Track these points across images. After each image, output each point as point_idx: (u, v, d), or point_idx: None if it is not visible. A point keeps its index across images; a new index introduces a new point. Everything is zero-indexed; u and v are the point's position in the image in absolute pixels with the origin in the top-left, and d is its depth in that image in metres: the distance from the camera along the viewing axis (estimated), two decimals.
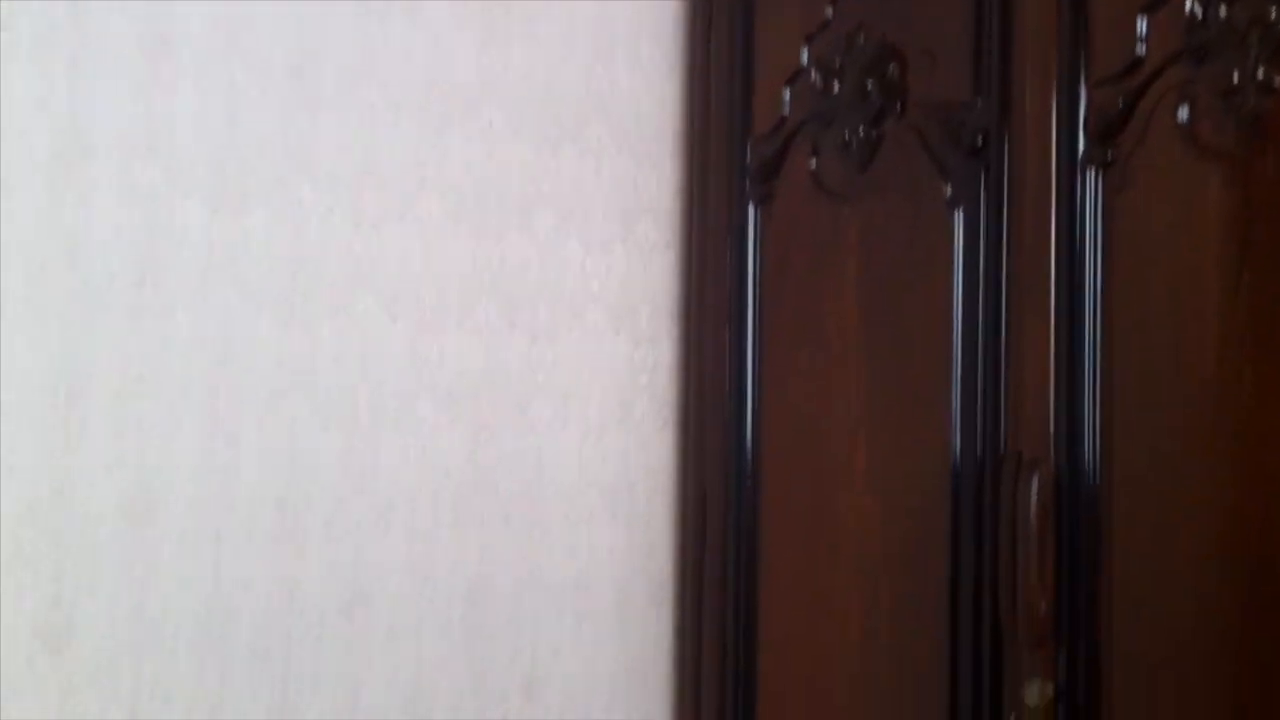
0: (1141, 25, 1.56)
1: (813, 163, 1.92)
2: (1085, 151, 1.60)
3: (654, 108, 2.11)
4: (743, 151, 2.01)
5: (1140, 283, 1.56)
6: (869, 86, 1.84)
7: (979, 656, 1.68)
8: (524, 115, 1.96)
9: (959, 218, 1.75)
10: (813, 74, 1.92)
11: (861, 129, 1.84)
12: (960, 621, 1.71)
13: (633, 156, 2.08)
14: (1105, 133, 1.58)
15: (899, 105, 1.81)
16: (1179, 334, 1.53)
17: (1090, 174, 1.60)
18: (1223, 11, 1.48)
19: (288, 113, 1.75)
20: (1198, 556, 1.52)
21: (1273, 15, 1.44)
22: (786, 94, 1.95)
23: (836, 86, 1.88)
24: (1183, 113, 1.51)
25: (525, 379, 1.96)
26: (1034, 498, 1.61)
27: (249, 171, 1.71)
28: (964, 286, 1.74)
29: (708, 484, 2.05)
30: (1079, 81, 1.61)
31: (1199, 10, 1.50)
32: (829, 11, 1.90)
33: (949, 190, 1.75)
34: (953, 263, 1.75)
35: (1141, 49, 1.55)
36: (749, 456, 2.00)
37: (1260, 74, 1.44)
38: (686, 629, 2.09)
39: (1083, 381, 1.60)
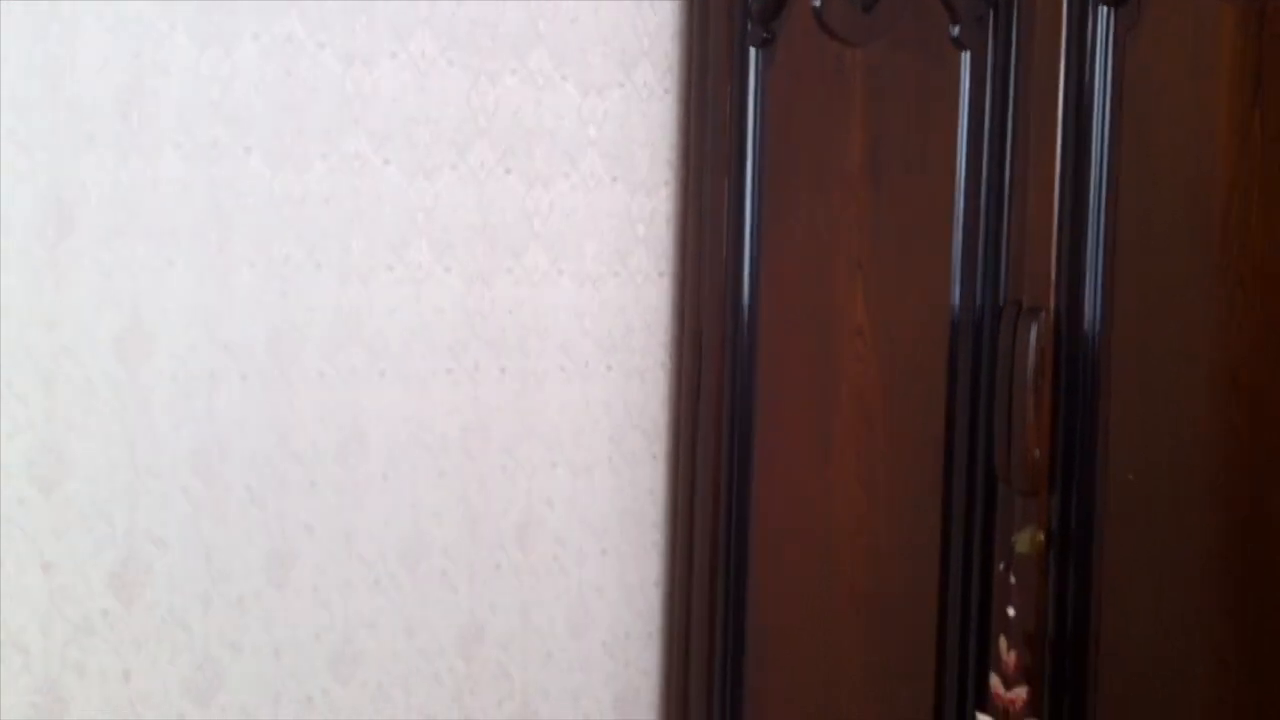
0: None
1: (816, 2, 1.86)
2: None
3: None
4: None
5: (1149, 125, 1.52)
6: None
7: (972, 503, 1.69)
8: None
9: (965, 59, 1.70)
10: None
11: None
12: (954, 467, 1.71)
13: None
14: None
15: None
16: (1187, 179, 1.50)
17: (1102, 12, 1.55)
18: None
19: None
20: (1197, 407, 1.51)
21: None
22: None
23: None
24: None
25: (520, 226, 1.93)
26: (1033, 344, 1.59)
27: (237, 1, 1.66)
28: (969, 130, 1.70)
29: (705, 332, 2.03)
30: None
31: None
32: None
33: (956, 30, 1.70)
34: (958, 106, 1.71)
35: None
36: (746, 305, 1.98)
37: None
38: (680, 480, 2.10)
39: (1086, 228, 1.57)
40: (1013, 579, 1.60)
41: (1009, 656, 1.59)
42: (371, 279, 1.79)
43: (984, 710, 1.61)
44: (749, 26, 1.95)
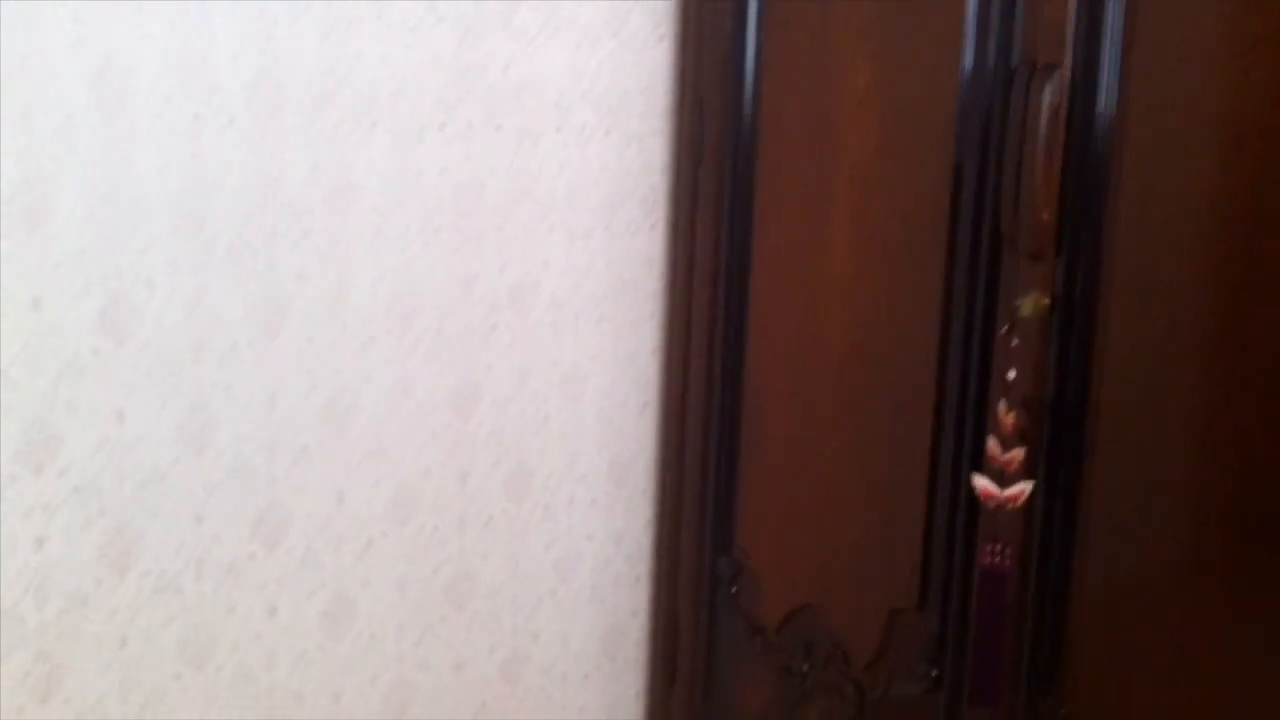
0: None
1: None
2: None
3: None
4: None
5: None
6: None
7: (975, 267, 1.67)
8: None
9: None
10: None
11: None
12: (959, 231, 1.68)
13: None
14: None
15: None
16: None
17: None
18: None
19: None
20: (1210, 170, 1.48)
21: None
22: None
23: None
24: None
25: None
26: (1046, 104, 1.55)
27: None
28: None
29: (705, 98, 1.97)
30: None
31: None
32: None
33: None
34: None
35: None
36: (750, 70, 1.92)
37: None
38: (678, 250, 2.06)
39: None
40: (1015, 342, 1.59)
41: (1007, 419, 1.59)
42: (357, 29, 1.72)
43: (981, 471, 1.62)
44: None
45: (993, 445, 1.60)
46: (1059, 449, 1.60)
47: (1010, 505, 1.59)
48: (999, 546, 1.61)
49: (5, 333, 1.49)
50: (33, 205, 1.49)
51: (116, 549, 1.61)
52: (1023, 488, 1.58)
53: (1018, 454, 1.58)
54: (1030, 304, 1.58)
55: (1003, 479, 1.59)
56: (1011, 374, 1.59)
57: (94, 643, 1.62)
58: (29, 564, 1.54)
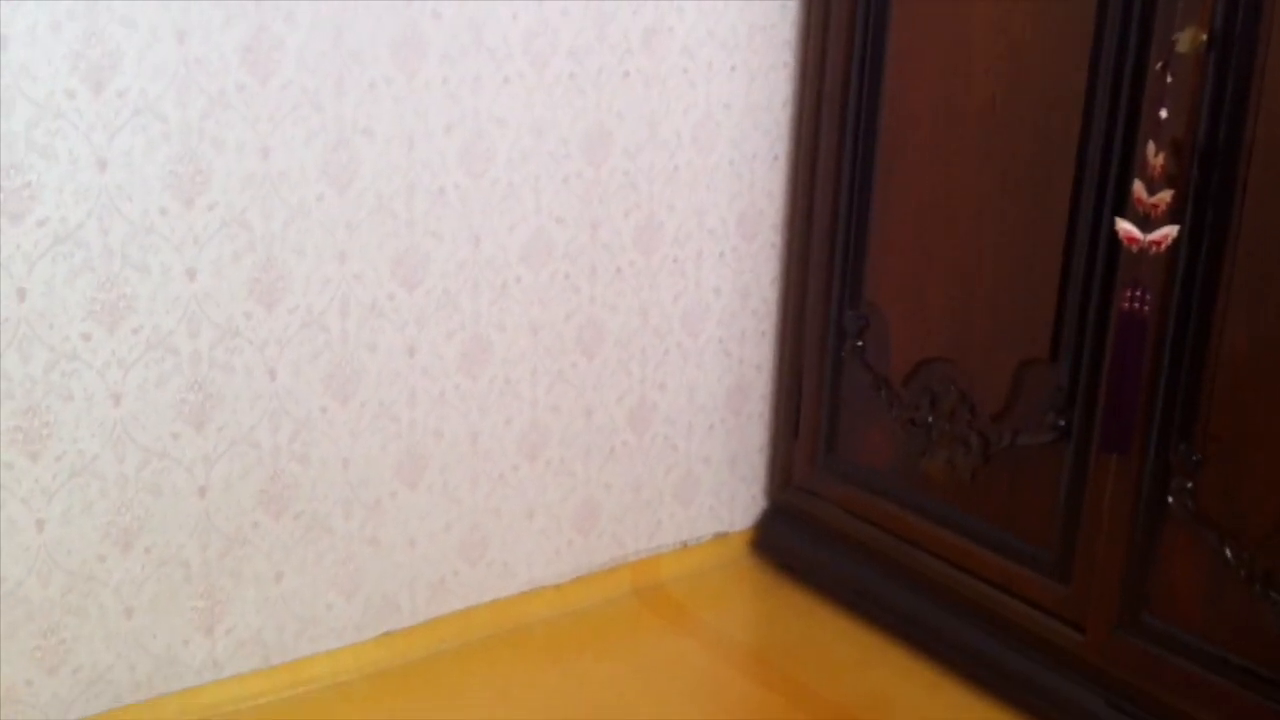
0: None
1: None
2: None
3: None
4: None
5: None
6: None
7: (1130, 4, 1.59)
8: None
9: None
10: None
11: None
12: None
13: None
14: None
15: None
16: None
17: None
18: None
19: None
20: None
21: None
22: None
23: None
24: None
25: None
26: None
27: None
28: None
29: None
30: None
31: None
32: None
33: None
34: None
35: None
36: None
37: None
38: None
39: None
40: (1169, 79, 1.53)
41: (1156, 160, 1.55)
42: None
43: (1123, 216, 1.58)
44: None
45: (1139, 188, 1.56)
46: (1207, 193, 1.55)
47: (1154, 250, 1.55)
48: (1139, 292, 1.58)
49: (152, 67, 1.51)
50: None
51: (264, 284, 1.67)
52: (1168, 232, 1.54)
53: (1165, 197, 1.54)
54: (1188, 39, 1.51)
55: (1147, 223, 1.55)
56: (1164, 113, 1.53)
57: (244, 374, 1.69)
58: (182, 295, 1.60)
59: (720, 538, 2.26)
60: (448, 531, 1.94)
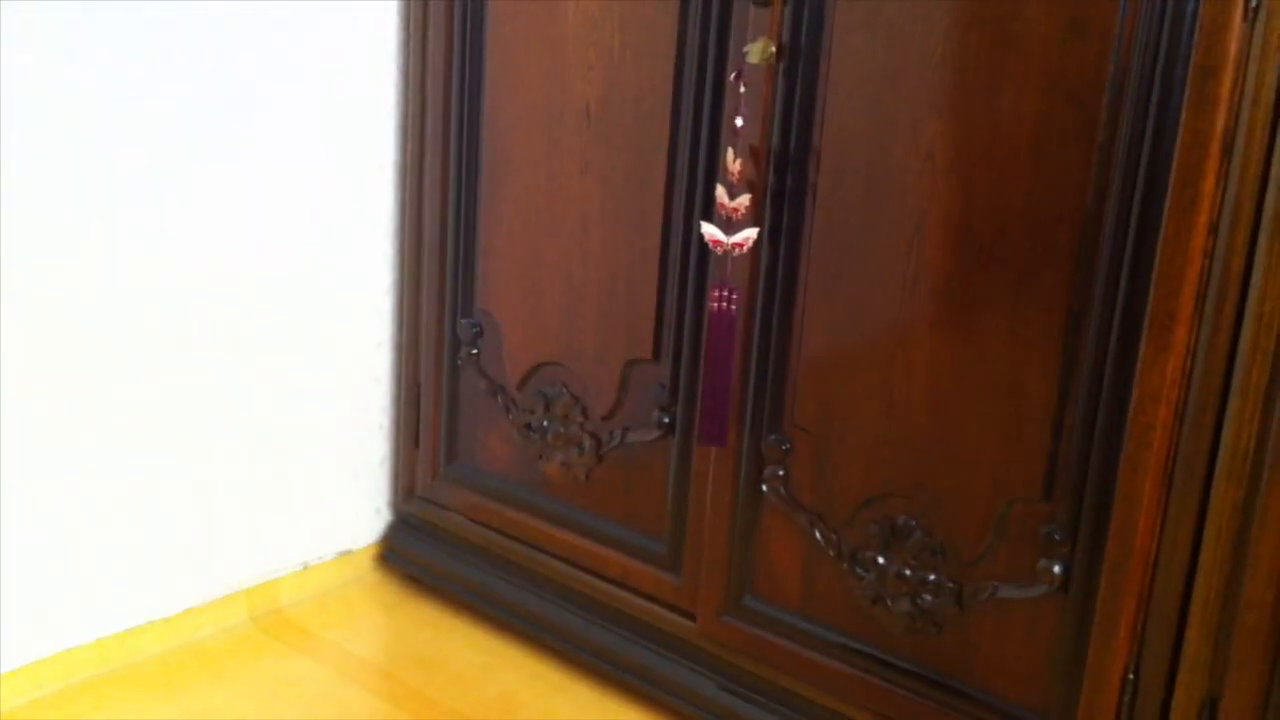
0: None
1: None
2: None
3: None
4: None
5: None
6: None
7: (708, 13, 1.67)
8: None
9: None
10: None
11: None
12: None
13: None
14: None
15: None
16: None
17: None
18: None
19: None
20: None
21: None
22: None
23: None
24: None
25: None
26: None
27: None
28: None
29: None
30: None
31: None
32: None
33: None
34: None
35: None
36: None
37: None
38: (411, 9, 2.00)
39: None
40: (742, 89, 1.61)
41: (734, 166, 1.62)
42: None
43: (709, 220, 1.65)
44: None
45: (721, 193, 1.63)
46: (781, 195, 1.64)
47: (737, 251, 1.63)
48: (726, 292, 1.65)
49: None
50: None
51: None
52: (749, 234, 1.63)
53: (744, 201, 1.62)
54: (758, 50, 1.59)
55: (730, 225, 1.63)
56: (739, 121, 1.61)
57: None
58: None
59: (344, 555, 2.21)
60: (44, 565, 1.80)
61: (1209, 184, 1.30)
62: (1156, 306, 1.35)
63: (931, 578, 1.60)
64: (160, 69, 1.76)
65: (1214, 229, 1.31)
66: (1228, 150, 1.28)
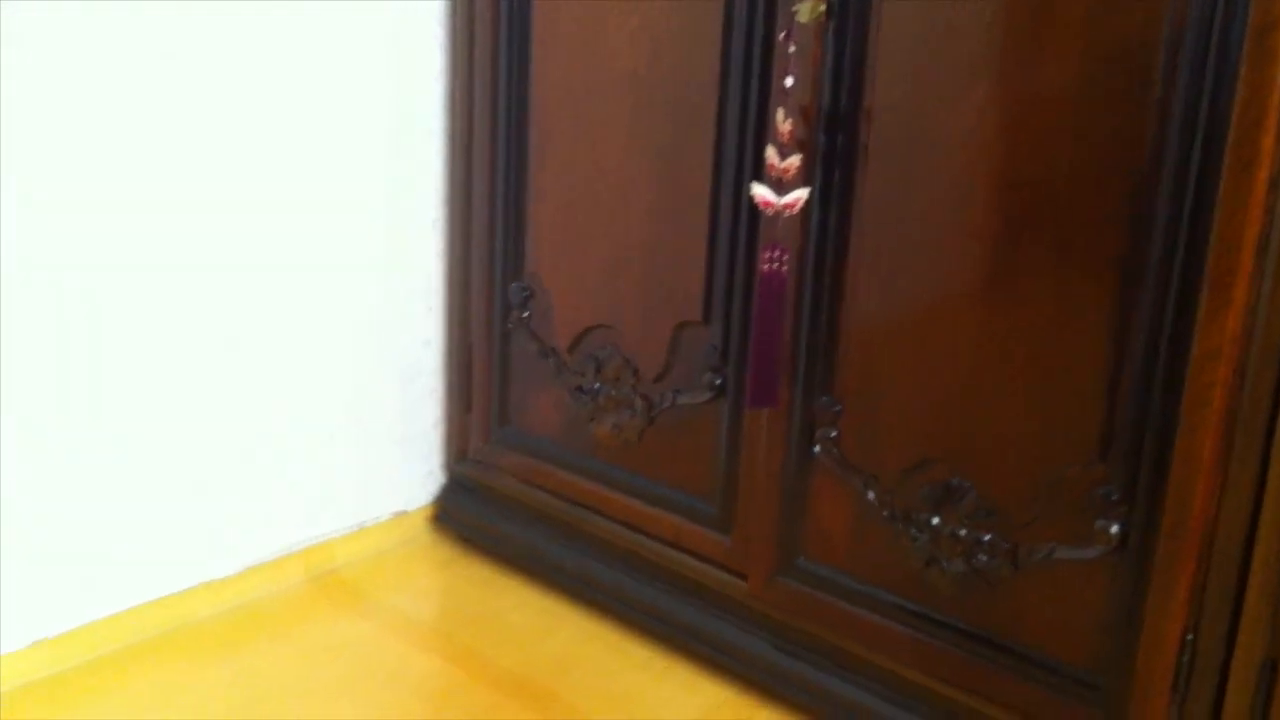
0: None
1: None
2: None
3: None
4: None
5: None
6: None
7: None
8: None
9: None
10: None
11: None
12: None
13: None
14: None
15: None
16: None
17: None
18: None
19: None
20: None
21: None
22: None
23: None
24: None
25: None
26: None
27: None
28: None
29: None
30: None
31: None
32: None
33: None
34: None
35: None
36: None
37: None
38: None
39: None
40: (792, 48, 1.60)
41: (785, 127, 1.61)
42: None
43: (760, 181, 1.64)
44: None
45: (771, 154, 1.62)
46: (833, 155, 1.63)
47: (787, 213, 1.62)
48: (777, 253, 1.64)
49: None
50: None
51: None
52: (799, 195, 1.61)
53: (794, 161, 1.61)
54: (807, 9, 1.58)
55: (780, 187, 1.62)
56: (789, 81, 1.60)
57: None
58: None
59: (399, 516, 2.23)
60: (102, 528, 1.84)
61: (1268, 140, 1.28)
62: (1216, 264, 1.33)
63: (987, 538, 1.60)
64: (202, 39, 1.77)
65: (1274, 184, 1.29)
66: None
